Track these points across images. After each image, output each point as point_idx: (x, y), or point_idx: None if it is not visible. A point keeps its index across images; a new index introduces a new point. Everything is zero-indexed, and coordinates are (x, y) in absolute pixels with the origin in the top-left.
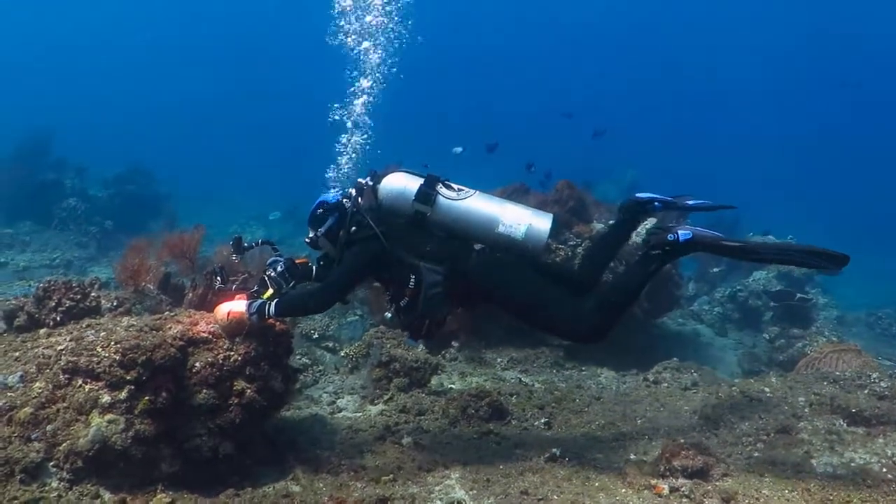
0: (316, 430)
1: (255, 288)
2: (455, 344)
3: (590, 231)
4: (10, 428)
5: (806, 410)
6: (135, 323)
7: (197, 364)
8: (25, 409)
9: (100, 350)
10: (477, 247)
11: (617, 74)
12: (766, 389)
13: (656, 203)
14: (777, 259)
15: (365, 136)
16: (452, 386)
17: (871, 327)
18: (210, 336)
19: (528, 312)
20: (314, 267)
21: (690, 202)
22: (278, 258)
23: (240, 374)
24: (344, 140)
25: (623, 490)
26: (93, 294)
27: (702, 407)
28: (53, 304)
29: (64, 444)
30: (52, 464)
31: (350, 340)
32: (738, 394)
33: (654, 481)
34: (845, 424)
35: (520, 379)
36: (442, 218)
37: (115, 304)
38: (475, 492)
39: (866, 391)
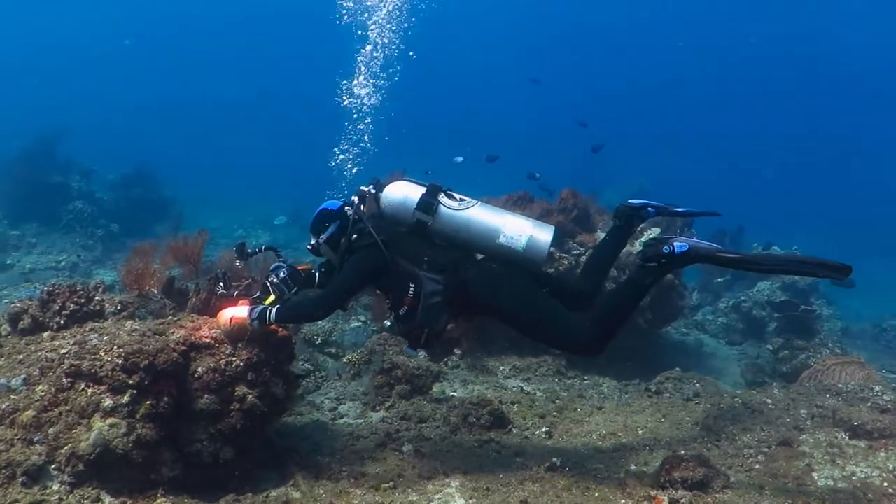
0: (317, 437)
1: (258, 294)
2: (457, 352)
3: (593, 240)
4: (13, 430)
5: (808, 423)
6: (138, 327)
7: (199, 369)
8: (28, 412)
9: (103, 354)
10: (479, 257)
11: (620, 79)
12: (769, 401)
13: (650, 209)
14: (778, 270)
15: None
16: (454, 394)
17: (876, 339)
18: (212, 341)
19: (525, 324)
20: (317, 274)
21: (679, 208)
22: (281, 264)
23: (241, 380)
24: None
25: (622, 501)
26: (97, 298)
27: (703, 418)
28: (57, 307)
29: (66, 448)
30: (53, 467)
31: (353, 347)
32: (741, 405)
33: (653, 492)
34: (847, 437)
35: (522, 387)
36: (443, 227)
37: (118, 307)
38: (474, 500)
39: (869, 404)
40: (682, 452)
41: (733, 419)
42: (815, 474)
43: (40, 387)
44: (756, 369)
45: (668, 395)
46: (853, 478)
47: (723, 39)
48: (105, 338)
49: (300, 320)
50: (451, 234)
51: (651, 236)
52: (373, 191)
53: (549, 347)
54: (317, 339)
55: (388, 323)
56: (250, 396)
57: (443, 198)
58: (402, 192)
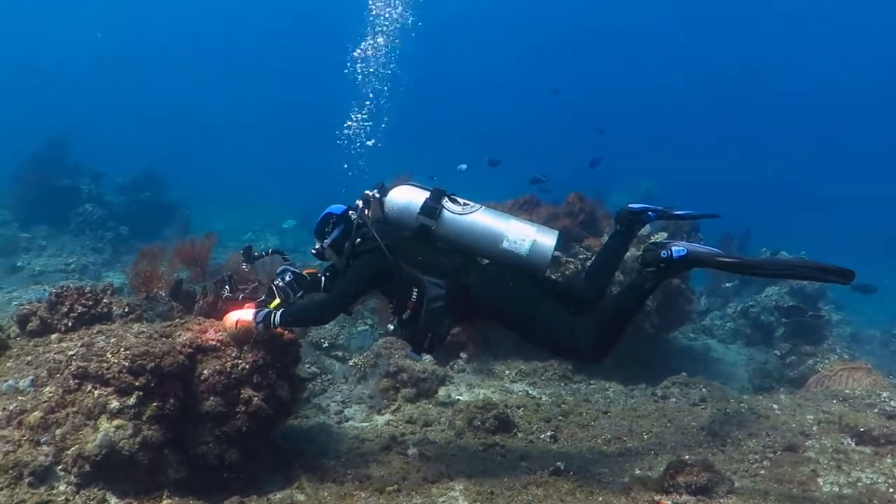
0: (322, 439)
1: (263, 297)
2: (463, 355)
3: (600, 244)
4: (20, 431)
5: (814, 428)
6: (145, 329)
7: (205, 371)
8: (35, 412)
9: (109, 356)
10: (483, 262)
11: (626, 80)
12: (775, 406)
13: (650, 213)
14: (779, 274)
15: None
16: (460, 397)
17: (885, 345)
18: (218, 344)
19: (527, 329)
20: (322, 278)
21: (679, 212)
22: (287, 268)
23: (247, 383)
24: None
25: None
26: (104, 300)
27: (709, 423)
28: (66, 309)
29: (72, 449)
30: (60, 468)
31: (359, 350)
32: (747, 410)
33: (657, 497)
34: (853, 443)
35: (527, 391)
36: (446, 232)
37: (126, 310)
38: None
39: (875, 410)
40: (687, 457)
41: (739, 424)
42: (820, 480)
43: (48, 388)
44: (763, 374)
45: (674, 399)
46: (858, 484)
47: (733, 39)
48: (112, 340)
49: (304, 324)
50: (455, 238)
51: (653, 241)
52: (377, 195)
53: (551, 354)
54: (324, 343)
55: (392, 326)
56: (256, 399)
57: (446, 202)
58: (406, 197)
